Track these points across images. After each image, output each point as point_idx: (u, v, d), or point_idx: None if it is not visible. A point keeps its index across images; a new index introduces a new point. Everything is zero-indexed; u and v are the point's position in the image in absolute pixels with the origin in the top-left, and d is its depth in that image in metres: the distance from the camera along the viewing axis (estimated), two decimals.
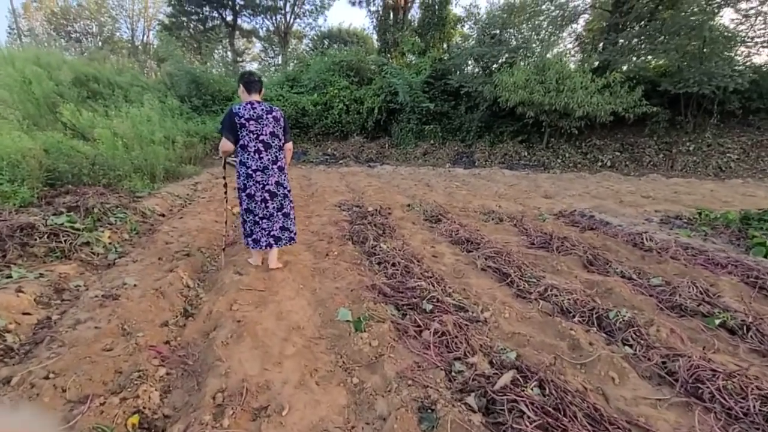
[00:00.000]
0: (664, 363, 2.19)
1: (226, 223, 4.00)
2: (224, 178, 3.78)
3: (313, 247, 4.19)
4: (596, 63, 12.97)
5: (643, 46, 11.81)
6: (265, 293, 3.07)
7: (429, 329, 2.52)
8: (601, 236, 4.64)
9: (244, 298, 2.92)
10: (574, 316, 2.74)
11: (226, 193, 3.78)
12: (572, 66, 10.68)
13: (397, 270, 3.49)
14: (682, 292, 3.01)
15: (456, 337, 2.44)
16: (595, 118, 11.01)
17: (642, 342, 2.38)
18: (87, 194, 4.69)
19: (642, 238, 4.31)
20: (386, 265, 3.62)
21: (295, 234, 3.52)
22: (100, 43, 30.96)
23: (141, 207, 4.97)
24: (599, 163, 12.04)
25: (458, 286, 3.21)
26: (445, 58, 15.71)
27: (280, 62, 26.46)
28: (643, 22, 12.57)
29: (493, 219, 5.45)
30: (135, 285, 2.98)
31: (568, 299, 2.92)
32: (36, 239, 3.27)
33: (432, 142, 13.88)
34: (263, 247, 3.37)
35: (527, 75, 10.78)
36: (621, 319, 2.60)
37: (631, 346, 2.39)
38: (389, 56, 17.47)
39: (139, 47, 31.36)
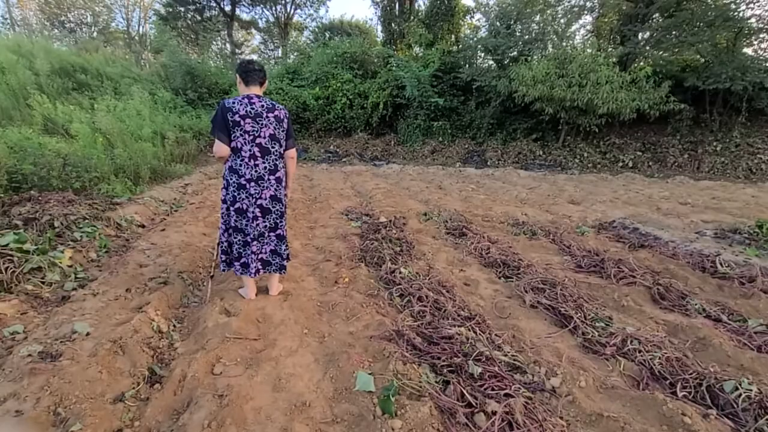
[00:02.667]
0: None
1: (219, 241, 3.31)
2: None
3: (318, 271, 3.48)
4: (613, 58, 12.14)
5: (669, 38, 11.02)
6: (259, 343, 2.36)
7: (485, 410, 1.82)
8: (657, 256, 3.93)
9: (232, 353, 2.21)
10: (674, 387, 2.03)
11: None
12: (596, 58, 9.84)
13: (426, 307, 2.79)
14: None
15: (524, 424, 1.73)
16: (618, 116, 10.26)
17: None
18: (50, 202, 3.97)
19: (713, 262, 3.60)
20: (411, 299, 2.91)
21: (286, 260, 2.88)
22: (95, 34, 30.06)
23: (116, 217, 4.24)
24: (620, 164, 11.30)
25: (507, 334, 2.49)
26: (454, 50, 14.91)
27: (280, 54, 25.59)
28: (667, 13, 11.76)
29: (524, 232, 4.73)
30: (87, 334, 2.27)
31: (659, 358, 2.21)
32: None
33: (441, 139, 13.12)
34: (252, 274, 2.70)
35: (547, 68, 10.00)
36: (744, 395, 1.90)
37: None
38: (394, 48, 16.64)
39: (135, 38, 30.45)
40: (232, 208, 2.63)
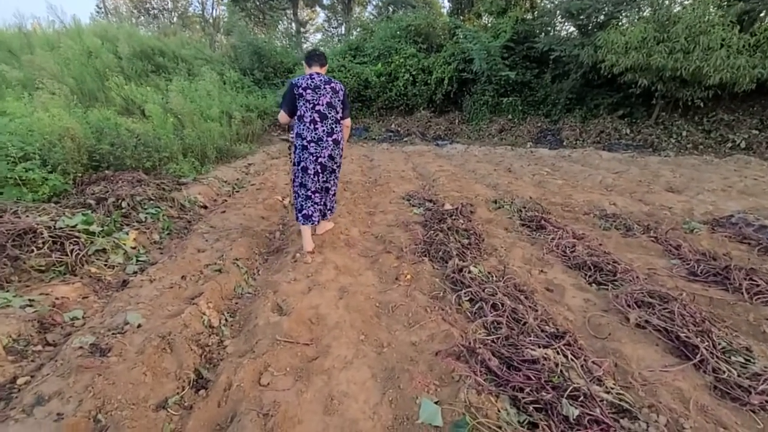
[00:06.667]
0: None
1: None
2: (291, 142, 3.44)
3: (377, 264, 3.17)
4: (730, 17, 10.12)
5: None
6: (311, 349, 2.12)
7: None
8: None
9: (281, 361, 1.99)
10: None
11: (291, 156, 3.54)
12: (707, 17, 8.21)
13: (501, 317, 2.36)
14: None
15: None
16: (732, 87, 8.62)
17: None
18: (120, 182, 4.06)
19: None
20: (483, 306, 2.50)
21: (333, 210, 3.51)
22: (174, 19, 31.94)
23: (181, 198, 4.27)
24: (729, 144, 9.58)
25: (607, 362, 2.00)
26: (529, 18, 13.55)
27: (343, 32, 25.34)
28: None
29: (616, 227, 4.04)
30: (139, 326, 2.17)
31: None
32: (34, 249, 2.59)
33: (510, 117, 12.10)
34: (315, 223, 3.27)
35: (644, 32, 8.60)
36: None
37: None
38: (462, 19, 15.55)
39: (210, 21, 31.91)
40: (297, 167, 3.14)
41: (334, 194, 3.41)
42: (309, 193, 3.16)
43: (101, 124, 5.20)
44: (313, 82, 2.97)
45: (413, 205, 4.75)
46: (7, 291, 2.33)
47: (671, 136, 10.10)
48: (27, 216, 2.88)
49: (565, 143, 10.65)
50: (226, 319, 2.44)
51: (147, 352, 1.94)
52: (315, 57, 3.08)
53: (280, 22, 25.66)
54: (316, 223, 3.25)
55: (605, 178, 6.53)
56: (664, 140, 10.04)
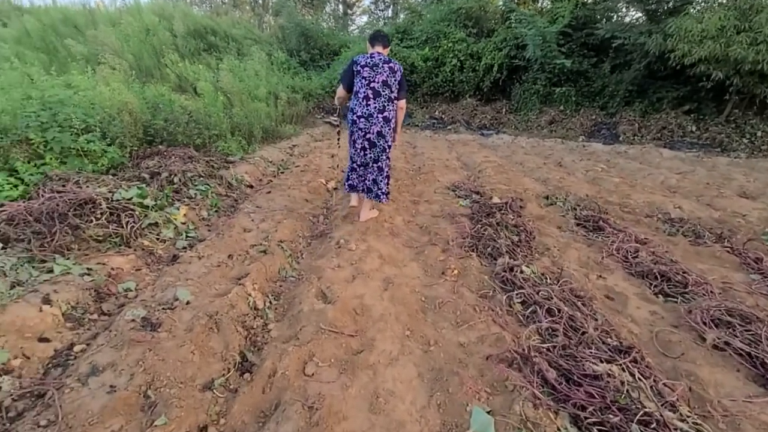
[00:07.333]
0: None
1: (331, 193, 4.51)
2: (339, 125, 4.03)
3: (423, 257, 3.06)
4: None
5: None
6: (356, 341, 2.06)
7: None
8: None
9: (325, 351, 1.93)
10: None
11: (339, 140, 4.34)
12: None
13: (557, 324, 2.20)
14: None
15: None
16: None
17: None
18: (172, 157, 4.15)
19: None
20: (537, 310, 2.34)
21: (384, 193, 3.40)
22: None
23: (228, 176, 4.32)
24: None
25: (681, 385, 1.80)
26: (590, 2, 12.65)
27: (390, 14, 24.87)
28: None
29: (684, 233, 3.69)
30: (188, 302, 2.19)
31: None
32: (93, 220, 2.67)
33: (562, 108, 11.44)
34: (357, 192, 3.46)
35: (724, 20, 7.78)
36: None
37: None
38: (517, 2, 14.79)
39: (259, 1, 32.29)
40: (349, 140, 3.31)
41: (387, 176, 3.37)
42: (354, 166, 3.34)
43: (156, 99, 5.34)
44: (372, 60, 3.07)
45: (459, 197, 4.57)
46: (68, 258, 2.42)
47: (744, 135, 9.20)
48: (87, 186, 2.98)
49: (621, 138, 9.97)
50: (270, 302, 2.43)
51: (195, 330, 1.94)
52: (378, 37, 3.19)
53: (328, 3, 25.53)
54: (358, 191, 3.43)
55: (668, 179, 6.03)
56: (735, 140, 9.16)
